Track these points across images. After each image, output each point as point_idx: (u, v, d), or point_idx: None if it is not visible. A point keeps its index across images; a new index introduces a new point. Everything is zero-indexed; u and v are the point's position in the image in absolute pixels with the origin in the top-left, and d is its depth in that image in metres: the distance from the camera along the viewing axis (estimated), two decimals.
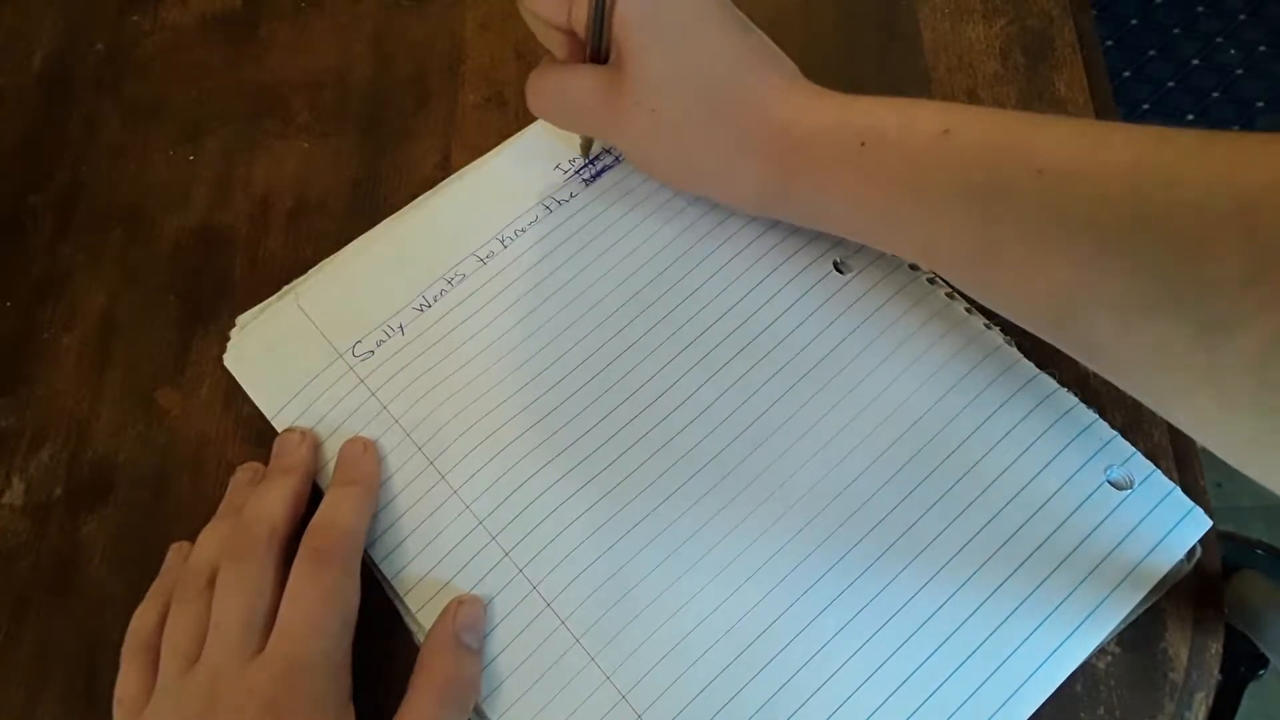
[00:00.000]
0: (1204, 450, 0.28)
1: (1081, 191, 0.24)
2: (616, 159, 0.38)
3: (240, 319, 0.37)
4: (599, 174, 0.37)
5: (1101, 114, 0.38)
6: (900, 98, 0.29)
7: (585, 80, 0.32)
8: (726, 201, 0.34)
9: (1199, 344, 0.22)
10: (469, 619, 0.30)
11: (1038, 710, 0.28)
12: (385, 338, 0.35)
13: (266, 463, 0.34)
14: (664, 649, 0.29)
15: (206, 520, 0.32)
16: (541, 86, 0.34)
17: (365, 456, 0.33)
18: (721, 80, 0.30)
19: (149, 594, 0.32)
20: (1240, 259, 0.21)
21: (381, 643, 0.31)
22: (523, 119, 0.39)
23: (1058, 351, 0.27)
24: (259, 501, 0.31)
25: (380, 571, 0.32)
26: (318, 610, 0.29)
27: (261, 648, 0.28)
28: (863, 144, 0.28)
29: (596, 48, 0.32)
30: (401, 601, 0.31)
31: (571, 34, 0.32)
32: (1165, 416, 0.25)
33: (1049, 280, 0.25)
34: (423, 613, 0.31)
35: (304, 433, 0.34)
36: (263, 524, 0.30)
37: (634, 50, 0.30)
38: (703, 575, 0.30)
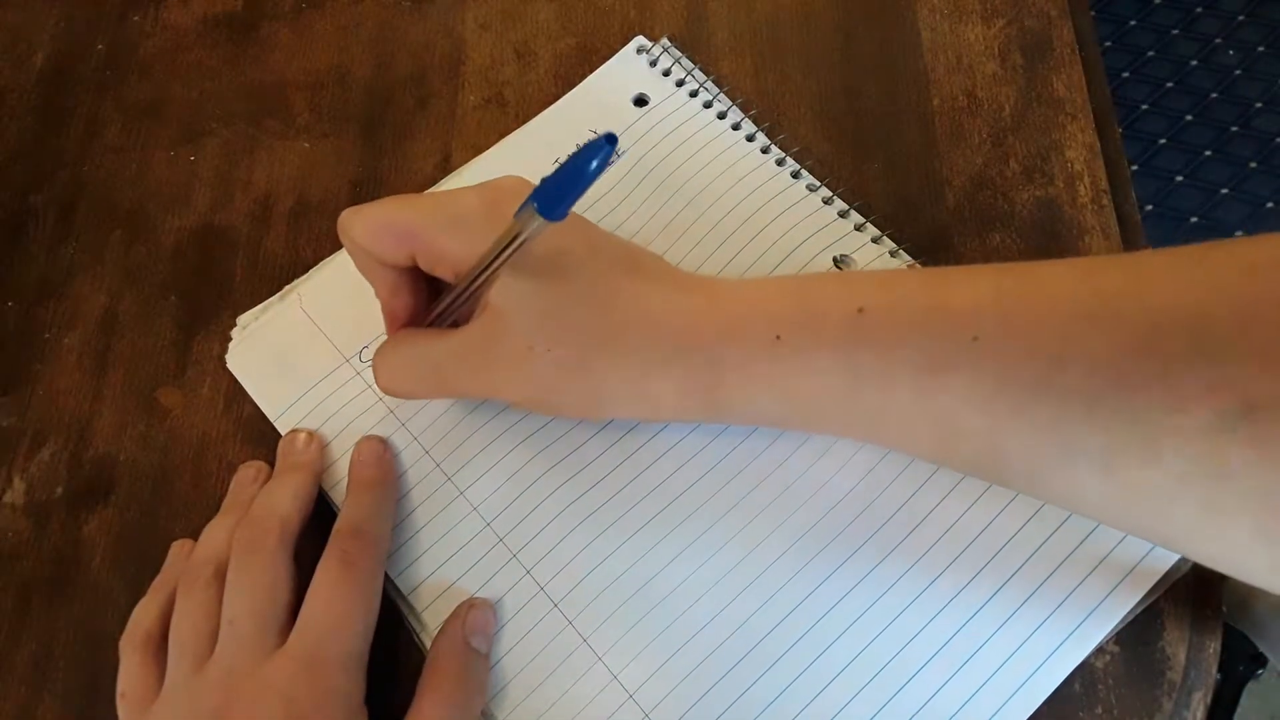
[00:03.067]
0: None
1: (1013, 346, 0.24)
2: (617, 154, 0.38)
3: (241, 319, 0.37)
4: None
5: (1100, 114, 0.38)
6: (800, 276, 0.28)
7: (454, 341, 0.30)
8: (646, 418, 0.32)
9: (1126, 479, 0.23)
10: (479, 622, 0.30)
11: (1036, 709, 0.28)
12: None
13: (268, 462, 0.34)
14: (671, 648, 0.29)
15: (207, 519, 0.32)
16: (401, 356, 0.31)
17: (388, 457, 0.33)
18: (610, 301, 0.28)
19: (151, 588, 0.32)
20: (1158, 390, 0.21)
21: (389, 645, 0.31)
22: (523, 119, 0.39)
23: None
24: (269, 498, 0.31)
25: (386, 572, 0.32)
26: (346, 609, 0.29)
27: (276, 644, 0.28)
28: (778, 337, 0.27)
29: (464, 304, 0.29)
30: (406, 601, 0.31)
31: (404, 273, 0.30)
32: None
33: (1008, 440, 0.24)
34: (428, 613, 0.31)
35: (311, 433, 0.34)
36: (274, 519, 0.30)
37: (514, 295, 0.28)
38: (708, 576, 0.30)
